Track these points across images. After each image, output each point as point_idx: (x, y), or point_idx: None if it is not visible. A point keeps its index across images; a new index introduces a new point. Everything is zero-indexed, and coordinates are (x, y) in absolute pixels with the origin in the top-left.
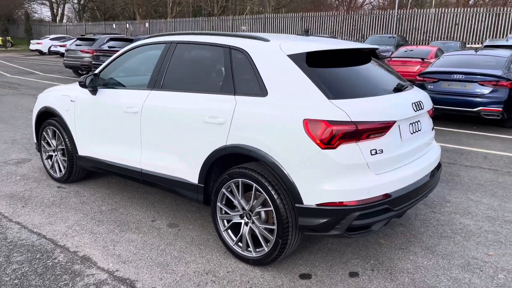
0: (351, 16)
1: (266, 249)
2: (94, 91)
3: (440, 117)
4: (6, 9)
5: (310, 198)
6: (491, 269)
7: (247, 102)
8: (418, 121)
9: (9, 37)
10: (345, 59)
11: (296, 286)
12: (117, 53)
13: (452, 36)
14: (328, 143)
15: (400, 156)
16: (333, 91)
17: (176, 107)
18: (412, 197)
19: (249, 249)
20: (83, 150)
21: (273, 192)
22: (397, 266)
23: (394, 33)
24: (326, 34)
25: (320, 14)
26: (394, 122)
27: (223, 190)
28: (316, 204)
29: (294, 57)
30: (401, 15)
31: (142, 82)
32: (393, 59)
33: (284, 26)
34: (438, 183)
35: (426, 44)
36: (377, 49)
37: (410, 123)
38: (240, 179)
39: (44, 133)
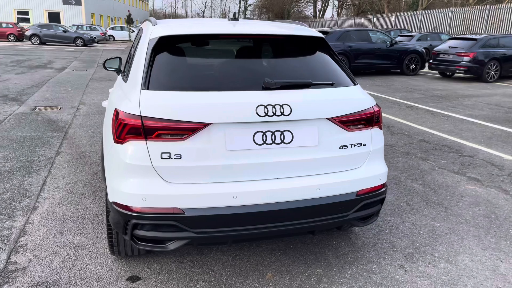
0: None
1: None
2: (118, 72)
3: None
4: (278, 7)
5: (110, 193)
6: None
7: (118, 89)
8: (286, 130)
9: None
10: (220, 45)
11: (109, 286)
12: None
13: None
14: (119, 136)
15: (218, 169)
16: (155, 81)
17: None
18: (234, 224)
19: None
20: None
21: None
22: None
23: None
24: None
25: None
26: (206, 124)
27: None
28: (111, 202)
29: (151, 42)
30: None
31: None
32: None
33: None
34: (336, 226)
35: None
36: (295, 35)
37: (259, 131)
38: None
39: None
